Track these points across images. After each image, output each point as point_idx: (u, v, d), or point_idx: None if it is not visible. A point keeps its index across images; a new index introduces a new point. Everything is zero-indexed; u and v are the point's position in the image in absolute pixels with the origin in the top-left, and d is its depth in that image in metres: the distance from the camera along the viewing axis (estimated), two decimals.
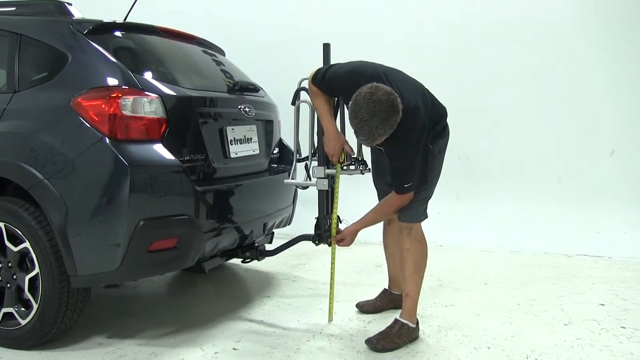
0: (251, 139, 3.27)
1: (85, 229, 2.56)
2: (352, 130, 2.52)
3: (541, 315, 3.17)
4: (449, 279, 3.83)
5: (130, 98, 2.59)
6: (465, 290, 3.64)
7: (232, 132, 3.09)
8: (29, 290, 2.70)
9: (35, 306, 2.69)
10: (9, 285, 2.77)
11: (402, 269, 2.84)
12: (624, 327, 3.00)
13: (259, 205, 3.17)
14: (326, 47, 3.02)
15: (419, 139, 2.56)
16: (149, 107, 2.64)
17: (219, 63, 3.40)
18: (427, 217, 2.84)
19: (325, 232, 3.03)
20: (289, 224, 3.61)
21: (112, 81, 2.63)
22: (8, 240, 2.73)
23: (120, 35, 2.94)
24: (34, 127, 2.67)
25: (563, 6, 4.80)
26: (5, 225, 2.72)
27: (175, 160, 2.66)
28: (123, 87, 2.61)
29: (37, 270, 2.66)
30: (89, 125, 2.56)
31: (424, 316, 3.11)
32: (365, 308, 3.23)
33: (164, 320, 3.13)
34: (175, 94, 2.78)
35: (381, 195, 3.04)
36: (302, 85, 3.10)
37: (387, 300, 3.23)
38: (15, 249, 2.71)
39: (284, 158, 3.62)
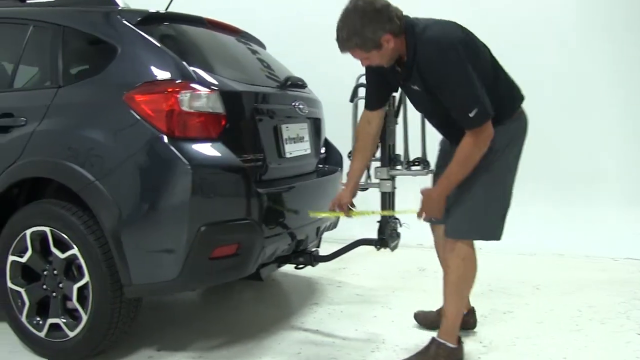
0: (303, 137, 3.10)
1: (141, 235, 2.38)
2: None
3: (608, 323, 3.02)
4: (498, 284, 3.68)
5: (189, 92, 2.40)
6: (518, 295, 3.48)
7: (287, 130, 2.91)
8: (77, 300, 2.51)
9: (84, 317, 2.50)
10: (54, 294, 2.58)
11: (443, 285, 2.55)
12: None
13: (314, 207, 2.99)
14: None
15: (457, 55, 2.16)
16: (208, 102, 2.45)
17: (264, 57, 3.21)
18: (493, 238, 2.44)
19: (390, 237, 2.86)
20: (334, 228, 3.44)
21: (167, 74, 2.44)
22: (54, 246, 2.54)
23: (169, 26, 2.75)
24: (82, 125, 2.50)
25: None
26: (51, 230, 2.53)
27: (237, 160, 2.48)
28: (180, 80, 2.42)
29: (86, 279, 2.47)
30: (144, 122, 2.37)
31: (483, 324, 2.96)
32: (419, 319, 3.01)
33: (213, 330, 2.95)
34: (232, 88, 2.60)
35: None
36: (359, 81, 2.93)
37: None
38: (62, 256, 2.51)
39: (331, 158, 3.44)
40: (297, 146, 3.01)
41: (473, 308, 2.94)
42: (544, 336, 2.85)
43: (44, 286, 2.60)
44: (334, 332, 2.92)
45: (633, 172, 4.50)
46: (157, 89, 2.40)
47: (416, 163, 2.82)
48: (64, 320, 2.56)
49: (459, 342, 2.58)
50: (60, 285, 2.55)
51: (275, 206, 2.67)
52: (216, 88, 2.49)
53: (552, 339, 2.82)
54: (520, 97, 2.47)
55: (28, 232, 2.58)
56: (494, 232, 2.46)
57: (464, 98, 2.19)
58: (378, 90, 2.59)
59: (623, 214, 4.43)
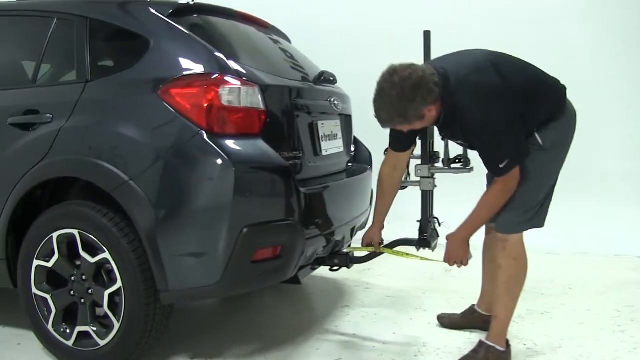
0: (337, 135, 2.98)
1: (180, 237, 2.24)
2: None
3: None
4: (529, 284, 3.46)
5: (229, 87, 2.27)
6: (552, 295, 3.39)
7: (322, 127, 2.80)
8: (108, 307, 2.38)
9: (116, 325, 2.36)
10: (82, 300, 2.44)
11: (495, 286, 2.49)
12: None
13: (348, 207, 2.88)
14: (427, 36, 2.73)
15: (489, 104, 2.16)
16: (249, 97, 2.32)
17: (294, 52, 3.08)
18: (533, 227, 2.40)
19: (431, 236, 2.75)
20: (364, 228, 3.33)
21: (204, 68, 2.31)
22: (83, 249, 2.40)
23: (200, 18, 2.62)
24: (114, 121, 2.35)
25: None
26: (80, 233, 2.39)
27: (279, 157, 2.36)
28: (219, 74, 2.29)
29: (118, 284, 2.33)
30: (182, 118, 2.24)
31: (523, 325, 2.87)
32: (443, 321, 2.92)
33: (246, 335, 2.83)
34: (271, 83, 2.47)
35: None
36: None
37: (470, 319, 2.87)
38: (92, 260, 2.38)
39: (360, 156, 3.32)
40: (332, 144, 2.90)
41: None
42: (589, 338, 2.76)
43: (72, 292, 2.46)
44: (372, 336, 2.81)
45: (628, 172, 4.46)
46: (195, 83, 2.27)
47: (457, 161, 2.71)
48: (94, 328, 2.42)
49: (508, 345, 2.49)
50: (90, 291, 2.42)
51: (315, 206, 2.56)
52: (256, 82, 2.37)
53: (596, 340, 2.73)
54: (563, 89, 2.39)
55: (55, 235, 2.43)
56: (541, 219, 2.44)
57: (496, 150, 2.20)
58: (406, 134, 2.44)
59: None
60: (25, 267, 2.52)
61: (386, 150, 2.72)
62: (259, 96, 2.36)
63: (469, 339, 2.75)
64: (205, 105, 2.23)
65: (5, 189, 2.51)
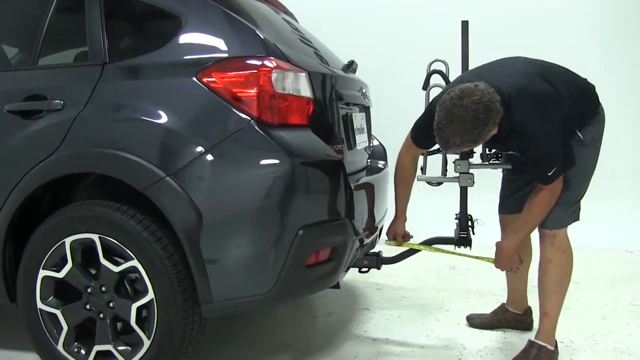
0: (363, 128, 2.79)
1: (227, 241, 1.98)
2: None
3: None
4: (533, 281, 3.55)
5: (282, 72, 2.03)
6: None
7: (355, 119, 2.60)
8: (136, 322, 2.07)
9: (146, 342, 2.06)
10: (101, 315, 2.12)
11: (540, 283, 2.42)
12: None
13: (378, 205, 2.69)
14: (464, 26, 2.60)
15: (546, 114, 2.13)
16: (299, 83, 2.10)
17: (314, 38, 2.85)
18: (577, 219, 2.41)
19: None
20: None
21: (251, 50, 2.05)
22: (104, 257, 2.08)
23: None
24: (143, 109, 2.04)
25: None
26: (100, 238, 2.07)
27: (332, 151, 2.15)
28: (271, 58, 2.04)
29: (150, 296, 2.03)
30: (228, 105, 1.98)
31: None
32: (473, 322, 2.84)
33: (274, 346, 2.59)
34: (317, 69, 2.25)
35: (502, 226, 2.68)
36: (432, 68, 2.68)
37: (502, 318, 2.80)
38: (116, 269, 2.06)
39: (376, 152, 3.13)
40: (361, 137, 2.71)
41: (530, 308, 2.78)
42: (619, 332, 2.74)
43: (87, 306, 2.13)
44: (406, 340, 2.65)
45: (632, 165, 4.54)
46: (244, 67, 2.00)
47: (496, 156, 2.59)
48: (120, 348, 2.11)
49: (556, 344, 2.41)
50: (111, 304, 2.10)
51: (358, 203, 2.35)
52: (304, 68, 2.14)
53: (629, 335, 2.72)
54: (594, 88, 2.36)
55: (68, 240, 2.10)
56: (579, 213, 2.41)
57: (548, 160, 2.17)
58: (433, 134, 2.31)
59: (631, 206, 4.45)
60: (28, 279, 2.17)
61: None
62: (308, 83, 2.13)
63: (505, 339, 2.66)
64: (257, 91, 1.97)
65: (2, 188, 2.14)
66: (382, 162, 3.08)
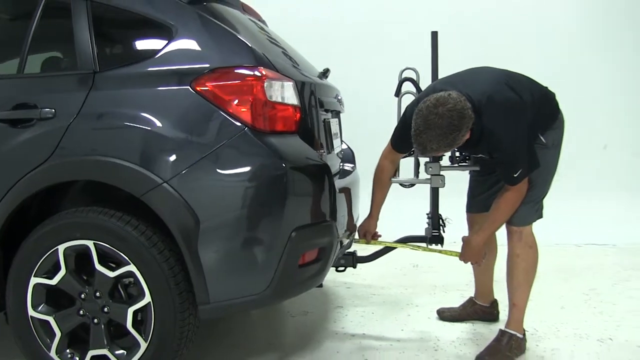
0: (337, 133, 2.91)
1: (224, 244, 2.06)
2: None
3: (620, 304, 3.23)
4: (502, 274, 3.72)
5: (274, 81, 2.12)
6: None
7: (332, 124, 2.72)
8: (132, 326, 2.11)
9: (143, 345, 2.11)
10: (95, 320, 2.14)
11: (509, 276, 2.60)
12: None
13: (355, 206, 2.82)
14: (434, 37, 2.77)
15: (512, 120, 2.31)
16: (288, 92, 2.20)
17: (291, 47, 2.96)
18: (541, 217, 2.60)
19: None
20: None
21: (242, 60, 2.13)
22: (99, 262, 2.11)
23: (215, 6, 2.40)
24: (138, 117, 2.07)
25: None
26: (95, 244, 2.10)
27: (318, 156, 2.27)
28: (261, 67, 2.13)
29: (147, 299, 2.08)
30: (223, 113, 2.05)
31: None
32: (445, 315, 3.01)
33: (256, 345, 2.68)
34: (300, 78, 2.36)
35: (470, 224, 2.86)
36: (404, 76, 2.83)
37: (470, 311, 2.99)
38: (112, 274, 2.10)
39: (345, 155, 3.25)
40: (337, 142, 2.83)
41: (496, 300, 2.98)
42: (577, 320, 2.98)
43: (81, 312, 2.16)
44: (383, 335, 2.79)
45: (578, 165, 4.87)
46: (237, 76, 2.09)
47: (467, 158, 2.77)
48: (117, 352, 2.14)
49: (524, 332, 2.60)
50: (105, 309, 2.14)
51: (340, 205, 2.47)
52: (291, 77, 2.24)
53: (585, 322, 2.96)
54: (554, 96, 2.56)
55: (61, 247, 2.12)
56: (542, 211, 2.59)
57: (514, 162, 2.34)
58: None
59: (580, 204, 4.74)
60: (19, 287, 2.17)
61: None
62: (295, 91, 2.24)
63: (474, 330, 2.85)
64: (251, 99, 2.06)
65: None
66: (352, 165, 3.20)
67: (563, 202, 4.67)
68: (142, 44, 2.26)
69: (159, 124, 2.06)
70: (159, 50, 2.15)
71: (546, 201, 2.57)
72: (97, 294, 2.13)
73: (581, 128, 4.76)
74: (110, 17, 2.27)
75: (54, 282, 2.15)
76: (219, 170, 2.04)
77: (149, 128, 2.06)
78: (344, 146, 3.29)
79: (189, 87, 2.07)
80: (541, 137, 2.46)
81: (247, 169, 2.06)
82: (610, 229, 4.76)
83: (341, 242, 2.60)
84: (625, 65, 5.02)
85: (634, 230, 4.73)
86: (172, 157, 2.05)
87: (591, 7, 5.03)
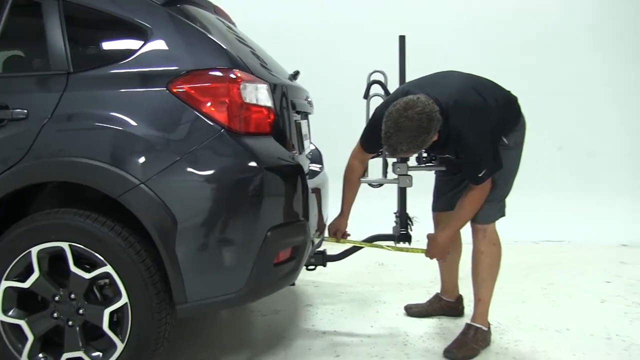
0: (307, 134, 2.96)
1: (201, 244, 2.09)
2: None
3: (575, 297, 3.40)
4: (466, 271, 3.83)
5: (249, 83, 2.16)
6: None
7: (302, 126, 2.77)
8: (109, 327, 2.12)
9: (119, 346, 2.11)
10: (70, 323, 2.14)
11: (474, 272, 2.70)
12: None
13: (324, 207, 2.88)
14: (402, 40, 2.85)
15: (478, 123, 2.41)
16: (262, 94, 2.24)
17: (261, 49, 2.99)
18: (503, 215, 2.70)
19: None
20: None
21: (217, 62, 2.15)
22: (75, 264, 2.11)
23: (188, 8, 2.41)
24: (115, 118, 2.08)
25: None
26: (70, 246, 2.09)
27: (291, 156, 2.31)
28: (236, 70, 2.16)
29: (124, 300, 2.09)
30: (199, 115, 2.08)
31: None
32: (412, 311, 3.10)
33: (229, 344, 2.71)
34: (274, 80, 2.40)
35: (436, 222, 2.95)
36: (372, 78, 2.91)
37: (437, 307, 3.09)
38: (88, 276, 2.10)
39: (313, 156, 3.31)
40: (307, 143, 2.89)
41: (461, 296, 3.09)
42: (537, 313, 3.11)
43: (55, 314, 2.14)
44: (353, 331, 2.86)
45: (535, 165, 5.02)
46: (213, 78, 2.12)
47: (433, 159, 2.86)
48: (93, 354, 2.14)
49: (489, 325, 2.71)
50: (81, 311, 2.13)
51: (311, 205, 2.53)
52: (265, 79, 2.28)
53: (545, 314, 3.10)
54: (517, 100, 2.67)
55: (34, 250, 2.10)
56: (505, 209, 2.70)
57: (479, 162, 2.44)
58: (380, 140, 2.51)
59: (535, 201, 4.85)
60: None
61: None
62: (269, 93, 2.28)
63: (441, 325, 2.95)
64: (228, 102, 2.10)
65: None
66: (319, 166, 3.26)
67: (521, 201, 4.87)
68: (117, 45, 2.26)
69: (135, 125, 2.07)
70: (135, 52, 2.16)
71: (506, 200, 2.68)
72: (72, 296, 2.13)
73: (538, 130, 4.99)
74: (83, 18, 2.26)
75: (26, 285, 2.13)
76: (196, 171, 2.06)
77: (125, 129, 2.07)
78: (312, 147, 3.36)
79: (165, 89, 2.09)
80: (504, 139, 2.56)
81: (224, 170, 2.09)
82: (565, 227, 4.97)
83: (312, 241, 2.66)
84: (578, 70, 5.23)
85: (587, 227, 4.95)
86: (149, 159, 2.06)
87: (546, 11, 5.21)
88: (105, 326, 2.11)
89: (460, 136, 2.41)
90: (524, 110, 2.64)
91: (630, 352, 2.62)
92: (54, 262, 2.14)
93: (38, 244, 2.10)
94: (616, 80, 5.24)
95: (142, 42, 2.16)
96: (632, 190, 5.17)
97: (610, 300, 3.34)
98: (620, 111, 5.26)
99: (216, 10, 2.70)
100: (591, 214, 5.01)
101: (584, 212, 4.99)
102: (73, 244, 2.09)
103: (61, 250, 2.10)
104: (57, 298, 2.13)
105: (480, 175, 2.45)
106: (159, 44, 2.17)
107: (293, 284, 2.69)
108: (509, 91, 2.65)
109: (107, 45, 2.30)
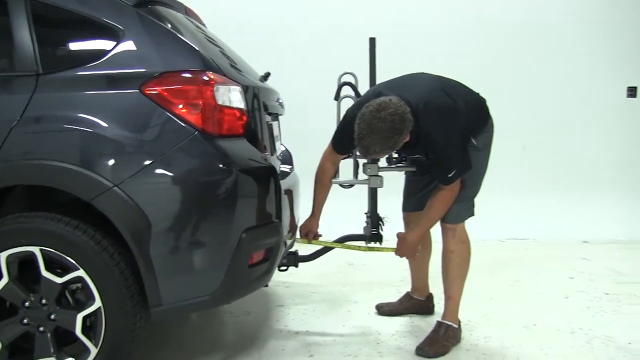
0: (278, 135, 2.97)
1: (176, 247, 2.08)
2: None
3: (541, 293, 3.49)
4: (433, 269, 3.88)
5: (223, 85, 2.16)
6: None
7: (273, 127, 2.78)
8: (82, 332, 2.09)
9: (93, 350, 2.10)
10: (41, 329, 2.11)
11: (444, 271, 2.75)
12: (607, 294, 3.49)
13: (295, 208, 2.90)
14: (372, 42, 2.88)
15: (448, 124, 2.46)
16: (235, 96, 2.24)
17: (232, 50, 2.99)
18: (472, 215, 2.75)
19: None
20: None
21: (191, 64, 2.15)
22: (46, 269, 2.08)
23: (159, 9, 2.39)
24: (86, 121, 2.05)
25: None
26: (41, 250, 2.06)
27: (265, 158, 2.32)
28: (209, 72, 2.16)
29: (97, 304, 2.07)
30: (173, 117, 2.07)
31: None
32: (383, 310, 3.14)
33: (201, 346, 2.69)
34: (246, 82, 2.41)
35: (406, 222, 3.00)
36: (343, 80, 2.93)
37: (408, 305, 3.14)
38: (60, 280, 2.07)
39: (284, 157, 3.32)
40: (278, 144, 2.90)
41: (431, 294, 3.14)
42: (505, 310, 3.20)
43: (24, 320, 2.11)
44: (326, 331, 2.88)
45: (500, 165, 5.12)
46: (187, 80, 2.11)
47: (403, 160, 2.90)
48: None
49: (459, 322, 2.77)
50: (52, 316, 2.10)
51: (284, 206, 2.54)
52: (237, 81, 2.29)
53: (512, 310, 3.18)
54: (485, 101, 2.73)
55: (3, 255, 2.07)
56: (474, 209, 2.76)
57: (448, 163, 2.49)
58: (351, 142, 2.52)
59: (500, 200, 4.91)
60: None
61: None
62: (242, 95, 2.28)
63: (412, 323, 2.99)
64: (201, 104, 2.10)
65: None
66: (289, 167, 3.28)
67: (488, 200, 4.98)
68: (89, 46, 2.23)
69: (108, 128, 2.05)
70: (107, 53, 2.13)
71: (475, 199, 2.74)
72: (43, 301, 2.10)
73: (503, 130, 5.10)
74: (52, 17, 2.22)
75: None
76: (170, 174, 2.06)
77: (97, 132, 2.05)
78: (282, 148, 3.37)
79: (138, 91, 2.08)
80: (473, 140, 2.61)
81: (198, 172, 2.10)
82: (530, 225, 5.10)
83: (285, 243, 2.67)
84: (542, 71, 5.36)
85: (551, 225, 5.09)
86: (122, 161, 2.05)
87: (509, 14, 5.32)
88: (78, 331, 2.09)
89: (430, 137, 2.46)
90: (491, 112, 2.70)
91: (592, 344, 2.71)
92: (24, 267, 2.11)
93: (7, 249, 2.07)
94: (578, 81, 5.38)
95: (114, 44, 2.15)
96: (593, 188, 5.32)
97: (573, 296, 3.44)
98: (582, 111, 5.40)
99: (187, 11, 2.69)
100: (554, 212, 5.15)
101: (548, 211, 5.13)
102: (44, 248, 2.06)
103: (32, 255, 2.07)
104: (27, 304, 2.10)
105: (449, 175, 2.49)
106: (131, 45, 2.15)
107: (266, 285, 2.69)
108: (477, 93, 2.71)
109: (78, 46, 2.27)
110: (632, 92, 5.41)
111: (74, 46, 2.27)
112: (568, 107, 5.40)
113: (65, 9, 2.18)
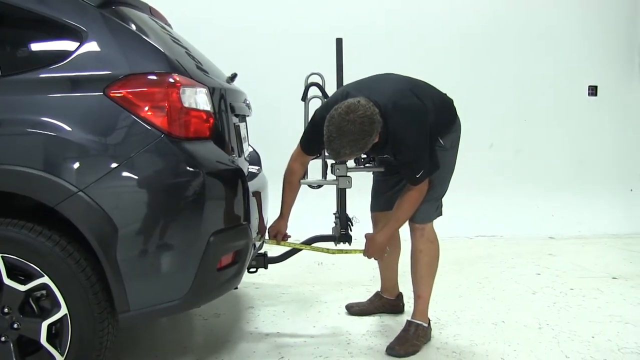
0: (245, 137, 2.95)
1: (143, 251, 2.05)
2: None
3: (509, 290, 3.55)
4: (402, 268, 3.91)
5: (189, 87, 2.14)
6: None
7: (240, 128, 2.76)
8: (47, 340, 2.05)
9: (59, 359, 2.05)
10: (3, 339, 2.05)
11: (413, 270, 2.77)
12: (572, 289, 3.56)
13: (264, 209, 2.88)
14: (339, 43, 2.89)
15: (416, 124, 2.47)
16: (202, 98, 2.22)
17: (198, 51, 2.96)
18: (440, 214, 2.78)
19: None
20: None
21: (156, 66, 2.12)
22: (9, 277, 2.03)
23: (123, 10, 2.35)
24: (49, 124, 2.00)
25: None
26: (3, 257, 2.01)
27: (232, 160, 2.31)
28: (175, 74, 2.13)
29: (63, 311, 2.03)
30: (138, 120, 2.04)
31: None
32: (353, 310, 3.15)
33: (172, 350, 2.67)
34: (213, 84, 2.38)
35: (374, 222, 3.01)
36: (310, 81, 2.93)
37: (378, 305, 3.15)
38: (23, 288, 2.03)
39: (251, 159, 3.30)
40: (246, 146, 2.88)
41: (401, 293, 3.17)
42: (474, 307, 3.24)
43: None
44: (296, 332, 2.88)
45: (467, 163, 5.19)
46: (152, 83, 2.08)
47: (372, 160, 2.91)
48: None
49: (429, 321, 2.79)
50: (15, 325, 2.05)
51: (252, 208, 2.52)
52: (204, 83, 2.26)
53: (481, 308, 3.23)
54: (452, 102, 2.76)
55: None
56: (442, 209, 2.79)
57: (416, 163, 2.50)
58: (320, 143, 2.54)
59: (468, 198, 4.97)
60: None
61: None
62: (208, 97, 2.26)
63: (382, 322, 3.01)
64: (167, 106, 2.07)
65: None
66: (257, 168, 3.27)
67: (455, 197, 5.04)
68: (50, 48, 2.18)
69: (71, 131, 2.01)
70: (70, 55, 2.08)
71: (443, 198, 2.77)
72: (6, 310, 2.05)
73: (469, 129, 5.17)
74: (10, 17, 2.15)
75: None
76: (136, 177, 2.03)
77: (60, 136, 2.00)
78: (250, 149, 3.35)
79: (102, 94, 2.04)
80: (441, 140, 2.63)
81: (164, 175, 2.07)
82: (496, 222, 5.18)
83: (254, 245, 2.66)
84: (507, 69, 5.44)
85: (517, 222, 5.19)
86: (87, 165, 2.01)
87: (470, 14, 5.38)
88: (43, 339, 2.04)
89: (398, 138, 2.47)
90: (459, 111, 2.73)
91: (558, 339, 2.76)
92: None
93: None
94: (543, 78, 5.47)
95: (76, 45, 2.10)
96: (558, 184, 5.43)
97: (540, 292, 3.50)
98: (547, 108, 5.50)
99: (152, 12, 2.65)
100: (521, 209, 5.25)
101: (513, 208, 5.22)
102: (6, 255, 2.01)
103: None
104: None
105: (418, 176, 2.51)
106: (94, 47, 2.11)
107: (236, 288, 2.67)
108: (445, 93, 2.73)
109: (39, 48, 2.21)
110: (592, 90, 5.53)
111: (35, 47, 2.20)
112: (531, 105, 5.48)
113: (24, 8, 2.12)
